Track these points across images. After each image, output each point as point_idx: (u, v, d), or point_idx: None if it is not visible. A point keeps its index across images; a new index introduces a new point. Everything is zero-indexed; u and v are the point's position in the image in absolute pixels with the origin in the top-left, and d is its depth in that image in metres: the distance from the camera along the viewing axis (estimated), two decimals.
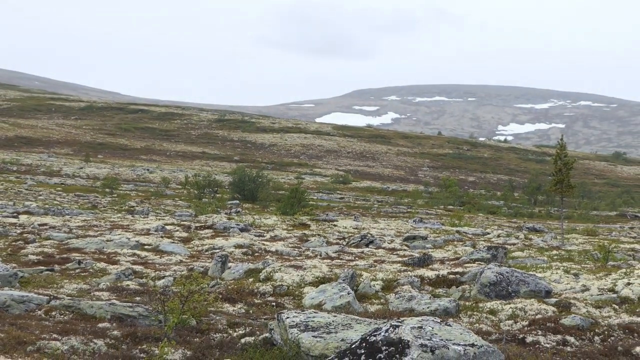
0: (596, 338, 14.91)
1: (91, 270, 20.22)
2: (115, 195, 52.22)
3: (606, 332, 15.23)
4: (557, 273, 21.97)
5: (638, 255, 29.20)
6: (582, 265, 24.29)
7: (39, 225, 29.51)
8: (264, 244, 27.35)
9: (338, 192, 73.70)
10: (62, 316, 14.75)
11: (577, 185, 49.56)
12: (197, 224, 33.26)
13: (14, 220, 30.57)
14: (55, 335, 13.01)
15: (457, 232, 37.90)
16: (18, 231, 27.41)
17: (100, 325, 14.08)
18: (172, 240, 26.82)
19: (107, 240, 25.28)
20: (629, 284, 19.62)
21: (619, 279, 20.45)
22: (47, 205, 40.46)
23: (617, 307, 17.37)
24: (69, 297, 16.02)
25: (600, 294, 18.57)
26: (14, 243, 24.43)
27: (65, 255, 22.24)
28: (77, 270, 20.25)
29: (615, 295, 18.52)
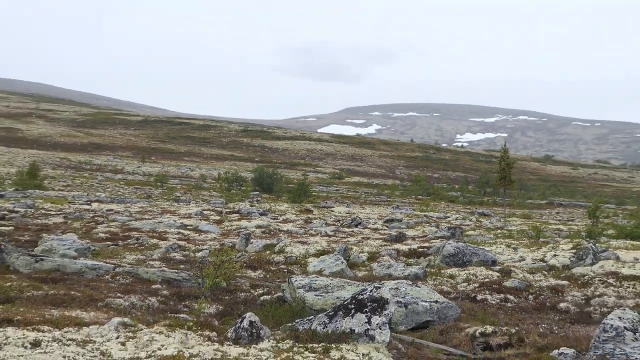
0: (530, 296, 15.57)
1: (146, 244, 20.39)
2: (165, 187, 52.18)
3: (537, 292, 15.81)
4: (500, 247, 22.31)
5: (562, 234, 29.24)
6: (520, 241, 24.52)
7: (107, 210, 29.61)
8: (277, 225, 27.50)
9: (334, 185, 73.64)
10: (124, 280, 15.08)
11: (516, 180, 49.55)
12: (227, 210, 33.25)
13: (87, 207, 30.62)
14: (119, 294, 13.36)
15: (425, 216, 38.09)
16: (90, 215, 27.50)
17: (153, 286, 14.53)
18: (208, 222, 27.00)
19: (159, 222, 25.39)
20: (555, 255, 20.15)
21: (548, 251, 20.94)
22: (112, 195, 40.43)
23: (546, 273, 17.97)
24: (130, 265, 16.36)
25: (533, 263, 19.14)
26: (87, 224, 24.58)
27: (126, 234, 22.39)
28: (136, 245, 20.39)
29: (544, 264, 19.07)
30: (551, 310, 14.33)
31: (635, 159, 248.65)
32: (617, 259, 19.37)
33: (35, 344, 9.15)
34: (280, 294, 14.18)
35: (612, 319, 9.63)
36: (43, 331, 9.91)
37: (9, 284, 13.65)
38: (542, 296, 15.79)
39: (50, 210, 28.34)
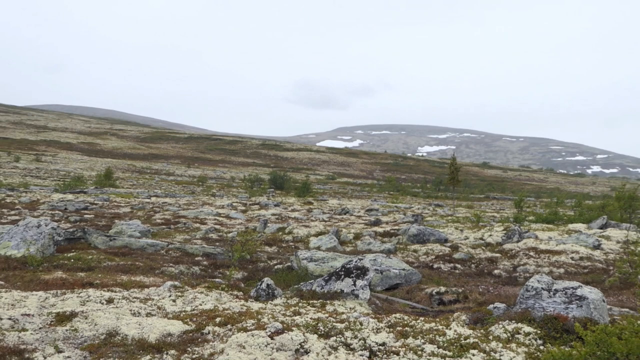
0: (472, 265, 15.56)
1: (191, 228, 20.36)
2: (204, 186, 51.94)
3: (478, 262, 15.81)
4: (450, 229, 22.36)
5: (495, 219, 29.20)
6: (465, 225, 24.52)
7: (162, 203, 29.55)
8: (287, 213, 27.42)
9: (329, 184, 73.48)
10: (174, 254, 15.11)
11: (462, 180, 49.44)
12: (250, 202, 33.15)
13: (148, 200, 30.53)
14: (171, 264, 13.44)
15: (395, 206, 38.00)
16: (150, 206, 27.39)
17: (196, 258, 14.57)
18: (236, 211, 26.90)
19: (200, 211, 25.30)
20: (490, 235, 20.15)
21: (485, 232, 20.95)
22: (166, 192, 40.29)
23: (484, 248, 17.93)
24: (179, 243, 16.34)
25: (475, 241, 19.13)
26: (147, 213, 24.51)
27: (176, 220, 22.34)
28: (183, 228, 20.36)
29: (483, 241, 19.07)
30: (488, 276, 14.38)
31: (548, 165, 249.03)
32: (536, 237, 19.37)
33: (110, 300, 9.22)
34: (289, 264, 14.20)
35: (532, 281, 9.62)
36: (115, 291, 9.95)
37: (90, 257, 13.68)
38: (481, 265, 15.81)
39: (120, 203, 28.31)
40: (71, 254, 14.04)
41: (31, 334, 7.48)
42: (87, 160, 70.47)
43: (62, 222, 20.37)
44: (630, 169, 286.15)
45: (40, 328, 7.77)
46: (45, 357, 6.69)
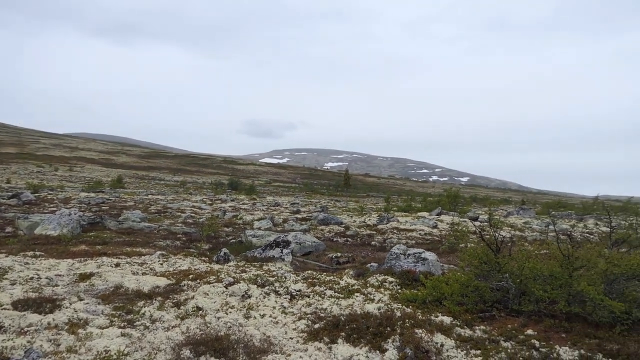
0: (358, 239, 15.68)
1: (175, 215, 19.64)
2: (185, 188, 50.57)
3: (361, 237, 16.08)
4: (345, 216, 22.22)
5: (373, 209, 29.50)
6: (354, 212, 24.61)
7: (155, 199, 28.51)
8: (239, 206, 26.86)
9: (267, 187, 72.75)
10: (163, 232, 14.81)
11: (352, 184, 50.11)
12: (215, 199, 32.39)
13: (146, 197, 29.43)
14: (160, 240, 13.19)
15: (310, 201, 37.73)
16: (147, 201, 26.42)
17: (178, 235, 14.33)
18: (205, 204, 26.15)
19: (181, 204, 24.50)
20: (369, 218, 20.28)
21: (366, 217, 21.06)
22: (158, 192, 39.03)
23: (365, 227, 18.12)
24: (166, 225, 15.81)
25: (360, 223, 19.08)
26: (145, 205, 23.53)
27: (165, 210, 21.57)
28: (169, 215, 19.65)
29: (365, 223, 19.15)
30: (368, 245, 14.39)
31: (406, 175, 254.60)
32: (398, 221, 19.64)
33: (117, 265, 8.88)
34: (240, 239, 13.86)
35: (394, 249, 9.79)
36: (121, 258, 9.60)
37: (105, 235, 13.12)
38: (364, 239, 15.75)
39: (127, 199, 27.29)
40: (92, 233, 13.48)
41: (61, 288, 7.23)
42: (105, 170, 68.06)
43: (86, 212, 19.45)
44: (455, 178, 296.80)
45: (68, 284, 7.49)
46: (71, 303, 6.42)
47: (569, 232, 16.59)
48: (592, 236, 17.70)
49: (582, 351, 5.42)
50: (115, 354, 4.99)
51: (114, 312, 6.24)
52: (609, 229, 10.72)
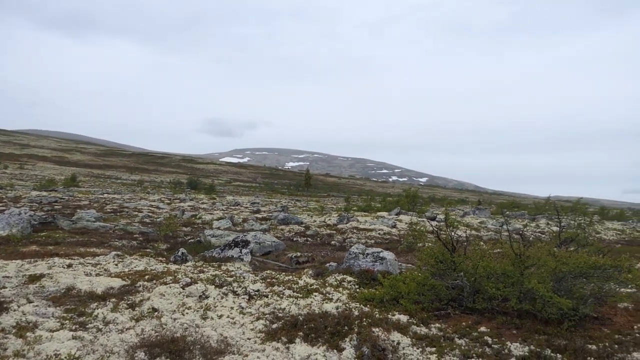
0: (318, 238, 15.76)
1: (131, 214, 19.16)
2: (142, 187, 49.38)
3: (321, 236, 16.18)
4: (305, 215, 22.25)
5: (333, 209, 29.68)
6: (314, 212, 24.68)
7: (112, 198, 27.72)
8: (198, 205, 26.46)
9: (227, 186, 71.90)
10: (119, 232, 14.43)
11: (313, 184, 50.22)
12: (173, 198, 31.81)
13: (101, 196, 28.60)
14: (116, 240, 12.86)
15: (270, 201, 37.58)
16: (102, 200, 25.67)
17: (134, 235, 13.99)
18: (163, 204, 25.63)
19: (138, 203, 23.94)
20: (329, 218, 20.58)
21: (326, 217, 21.29)
22: (115, 191, 37.99)
23: (325, 227, 18.21)
24: (122, 225, 15.32)
25: (320, 223, 19.23)
26: (101, 204, 22.86)
27: (121, 209, 21.00)
28: (126, 215, 19.16)
29: (325, 223, 19.26)
30: (328, 245, 14.41)
31: (366, 175, 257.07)
32: (358, 220, 19.74)
33: (69, 265, 8.54)
34: (199, 239, 13.64)
35: (353, 248, 9.87)
36: (74, 259, 9.26)
37: (58, 235, 12.63)
38: (324, 238, 15.73)
39: (82, 198, 26.42)
40: (43, 233, 12.95)
41: (9, 290, 6.91)
42: (58, 168, 65.77)
43: (38, 211, 18.71)
44: (414, 178, 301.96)
45: (16, 286, 7.16)
46: (19, 306, 6.18)
47: (521, 232, 17.12)
48: (543, 235, 18.34)
49: (532, 347, 5.59)
50: (65, 357, 4.85)
51: (65, 315, 6.05)
52: (558, 229, 11.14)
